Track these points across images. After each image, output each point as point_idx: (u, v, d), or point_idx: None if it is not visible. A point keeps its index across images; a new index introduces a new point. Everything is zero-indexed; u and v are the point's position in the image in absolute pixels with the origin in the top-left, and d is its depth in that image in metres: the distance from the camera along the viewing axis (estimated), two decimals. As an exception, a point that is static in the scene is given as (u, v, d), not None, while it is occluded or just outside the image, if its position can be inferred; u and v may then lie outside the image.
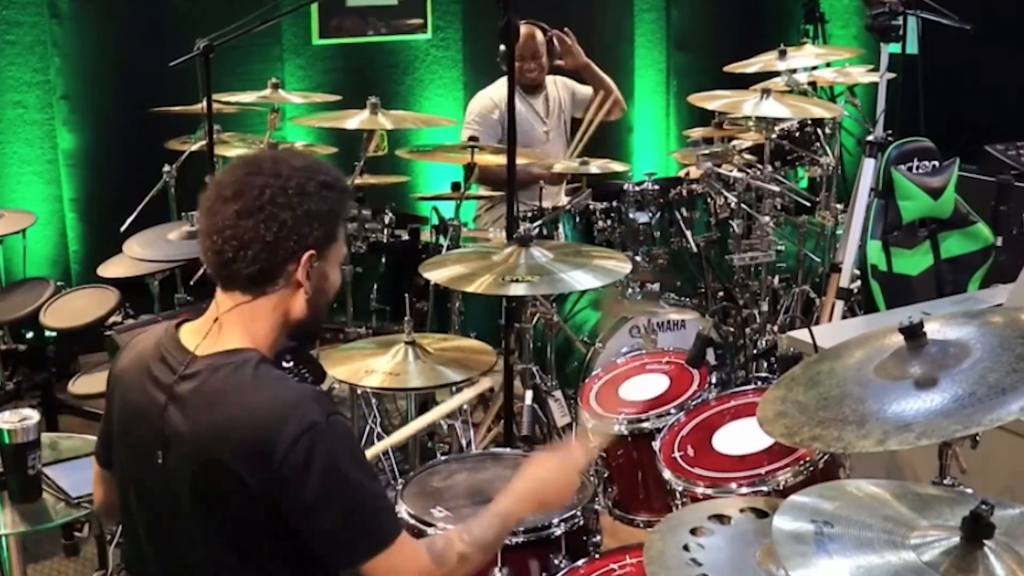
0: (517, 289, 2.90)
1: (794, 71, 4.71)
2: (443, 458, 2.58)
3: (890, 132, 3.68)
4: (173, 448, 1.74)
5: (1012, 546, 1.38)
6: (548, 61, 4.78)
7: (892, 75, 3.72)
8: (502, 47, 4.33)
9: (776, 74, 4.70)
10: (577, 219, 4.07)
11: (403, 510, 2.28)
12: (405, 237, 4.19)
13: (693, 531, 1.82)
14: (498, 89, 4.74)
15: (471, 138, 4.26)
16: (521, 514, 1.94)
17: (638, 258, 4.02)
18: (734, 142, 4.51)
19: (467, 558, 1.79)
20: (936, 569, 1.35)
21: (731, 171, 4.15)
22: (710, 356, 2.72)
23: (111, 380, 1.92)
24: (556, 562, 2.19)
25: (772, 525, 1.47)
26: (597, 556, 2.19)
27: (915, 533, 1.42)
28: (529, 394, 3.40)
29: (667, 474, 2.24)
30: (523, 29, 4.60)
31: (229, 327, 1.80)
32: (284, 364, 2.04)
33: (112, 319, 3.81)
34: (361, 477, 1.71)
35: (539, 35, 4.72)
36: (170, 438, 1.74)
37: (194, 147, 4.23)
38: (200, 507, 1.73)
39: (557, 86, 4.95)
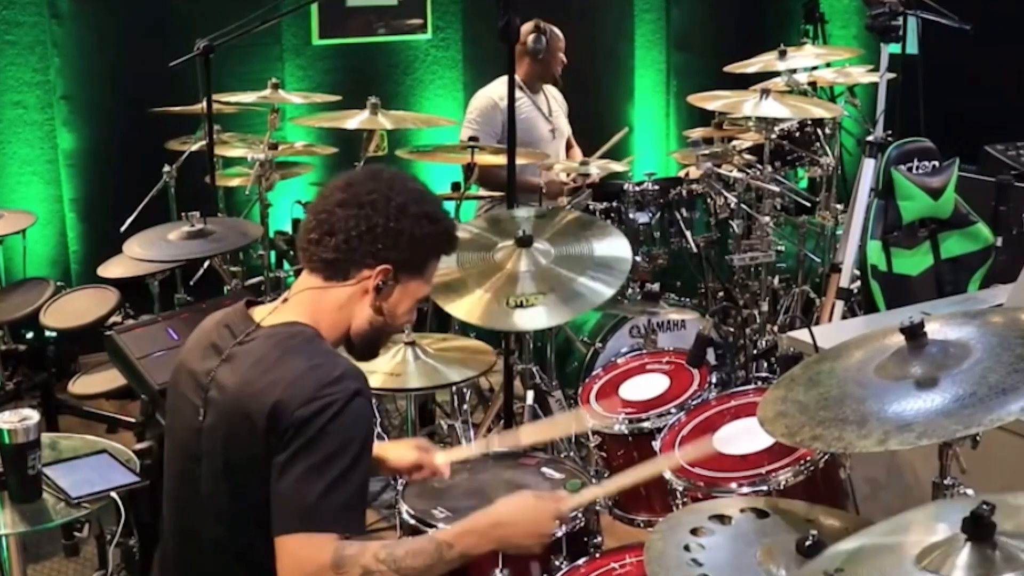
0: (522, 318, 2.73)
1: (794, 71, 4.71)
2: (443, 458, 2.57)
3: (890, 132, 3.68)
4: (212, 404, 1.81)
5: (1013, 545, 1.38)
6: None
7: (892, 75, 3.72)
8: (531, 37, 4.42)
9: (776, 74, 4.70)
10: (577, 219, 4.06)
11: (404, 510, 2.28)
12: (405, 237, 4.19)
13: (693, 531, 1.82)
14: (499, 87, 4.75)
15: (471, 138, 4.26)
16: (470, 548, 1.80)
17: (638, 258, 4.02)
18: (734, 142, 4.51)
19: (371, 574, 1.70)
20: (936, 570, 1.35)
21: (731, 171, 4.15)
22: (710, 356, 2.72)
23: (174, 371, 1.98)
24: (557, 562, 2.19)
25: None
26: (597, 556, 2.19)
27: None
28: (529, 394, 3.41)
29: (667, 474, 2.24)
30: (558, 30, 4.72)
31: (296, 306, 1.88)
32: None
33: (112, 319, 3.81)
34: (339, 462, 1.69)
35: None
36: (213, 394, 1.81)
37: (194, 147, 4.24)
38: (227, 463, 1.78)
39: (554, 95, 4.96)
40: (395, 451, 2.23)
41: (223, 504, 1.80)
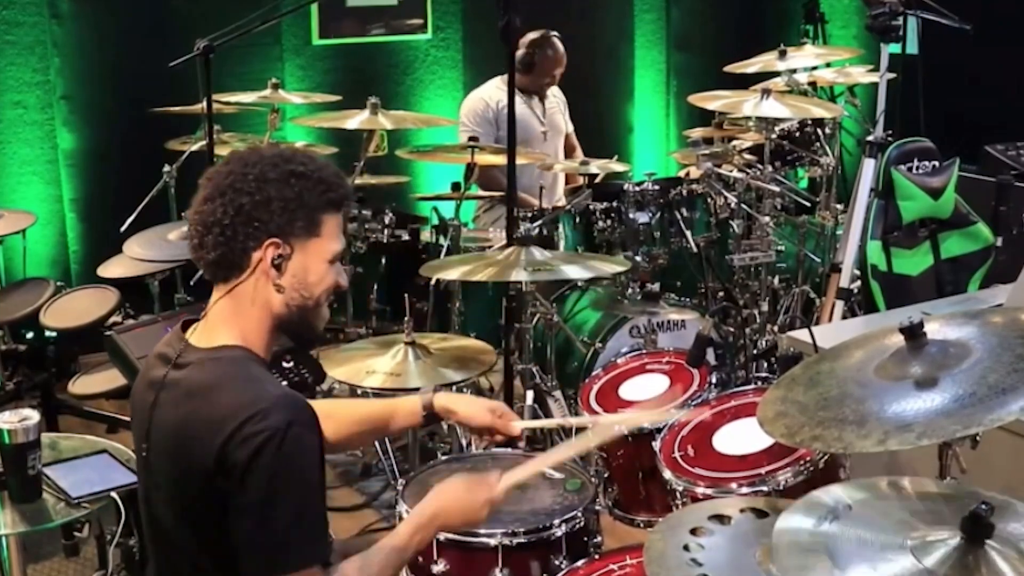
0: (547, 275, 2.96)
1: (794, 71, 4.71)
2: (443, 458, 2.58)
3: (890, 132, 3.68)
4: (154, 440, 1.78)
5: (1013, 544, 1.38)
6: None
7: (892, 75, 3.72)
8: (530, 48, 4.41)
9: (776, 74, 4.70)
10: (577, 219, 4.07)
11: (404, 510, 2.28)
12: (405, 237, 4.19)
13: (693, 531, 1.82)
14: (489, 89, 4.77)
15: (471, 138, 4.27)
16: (421, 543, 1.89)
17: (638, 258, 4.02)
18: (734, 142, 4.51)
19: None
20: (935, 571, 1.35)
21: (731, 171, 4.15)
22: (710, 356, 2.72)
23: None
24: (556, 563, 2.19)
25: (774, 528, 1.47)
26: (597, 556, 2.19)
27: (915, 533, 1.42)
28: (529, 394, 3.41)
29: (667, 474, 2.24)
30: (558, 43, 4.67)
31: (220, 323, 1.82)
32: (284, 364, 2.04)
33: (112, 319, 3.80)
34: (293, 497, 1.67)
35: (561, 46, 4.78)
36: (152, 429, 1.78)
37: (194, 147, 4.24)
38: (174, 498, 1.76)
39: (554, 93, 4.97)
40: (467, 407, 2.21)
41: (186, 537, 1.77)
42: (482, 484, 1.96)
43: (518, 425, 2.25)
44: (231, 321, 1.81)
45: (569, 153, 5.06)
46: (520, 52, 4.57)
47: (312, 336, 1.91)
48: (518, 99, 4.66)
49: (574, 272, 3.06)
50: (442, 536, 2.17)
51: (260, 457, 1.64)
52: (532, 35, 4.69)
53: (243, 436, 1.65)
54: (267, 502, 1.65)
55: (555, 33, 4.79)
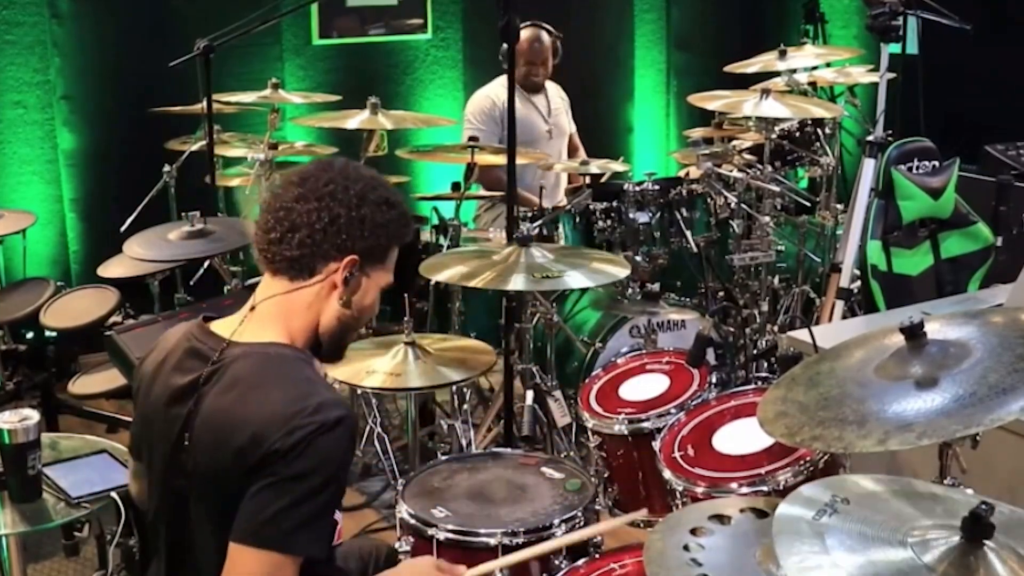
0: (552, 284, 2.96)
1: (794, 71, 4.71)
2: (443, 458, 2.58)
3: (890, 132, 3.68)
4: (197, 435, 1.75)
5: (1012, 546, 1.38)
6: (553, 61, 4.80)
7: (892, 75, 3.72)
8: (504, 45, 4.38)
9: (776, 74, 4.70)
10: (577, 219, 4.07)
11: (404, 510, 2.28)
12: (405, 237, 4.19)
13: (693, 531, 1.82)
14: (496, 88, 4.75)
15: (471, 138, 4.27)
16: None
17: (638, 258, 4.02)
18: (734, 142, 4.51)
19: None
20: (935, 570, 1.35)
21: (731, 171, 4.15)
22: (710, 356, 2.72)
23: (136, 378, 1.96)
24: (556, 562, 2.19)
25: (774, 517, 1.47)
26: (597, 556, 2.19)
27: (915, 532, 1.42)
28: (529, 394, 3.41)
29: (667, 474, 2.24)
30: (528, 32, 4.62)
31: (267, 319, 1.83)
32: None
33: (112, 319, 3.80)
34: (303, 486, 1.66)
35: (545, 38, 4.72)
36: (196, 422, 1.76)
37: (194, 147, 4.24)
38: (213, 492, 1.74)
39: (558, 94, 4.96)
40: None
41: (217, 536, 1.75)
42: (450, 571, 1.95)
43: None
44: (280, 320, 1.82)
45: (572, 153, 5.05)
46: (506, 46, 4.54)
47: (339, 356, 1.93)
48: (523, 99, 4.69)
49: (576, 280, 3.03)
50: (442, 536, 2.17)
51: (300, 445, 1.65)
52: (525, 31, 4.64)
53: (290, 428, 1.66)
54: (289, 482, 1.65)
55: (546, 26, 4.70)
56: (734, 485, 2.14)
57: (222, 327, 1.86)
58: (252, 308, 1.84)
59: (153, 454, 1.86)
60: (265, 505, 1.66)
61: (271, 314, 1.83)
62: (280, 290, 1.83)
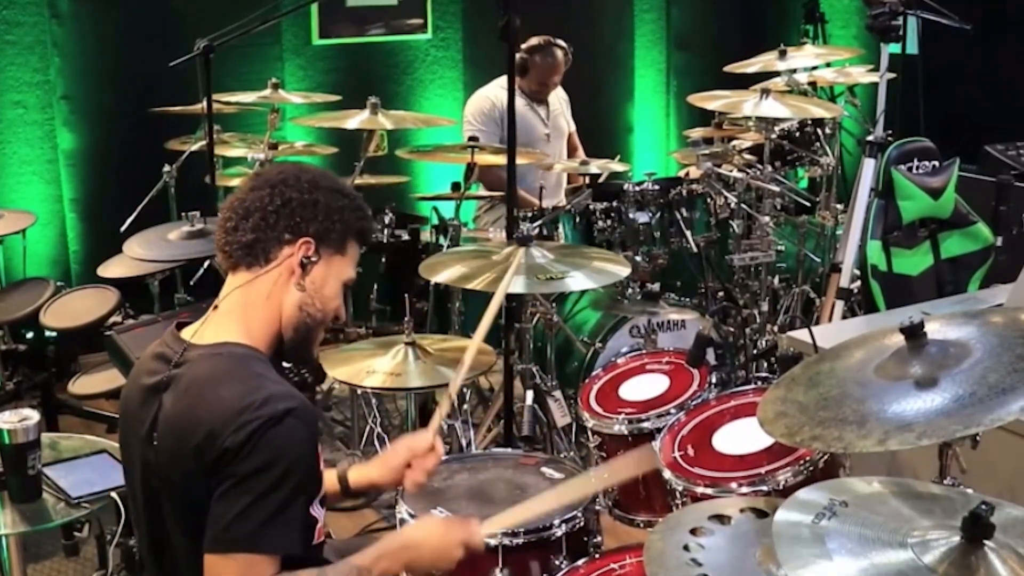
0: (558, 286, 2.95)
1: (794, 71, 4.71)
2: (443, 458, 2.58)
3: (890, 132, 3.68)
4: (160, 440, 1.76)
5: (1012, 546, 1.38)
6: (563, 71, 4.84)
7: (892, 75, 3.72)
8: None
9: (776, 74, 4.70)
10: (577, 219, 4.07)
11: (403, 510, 2.28)
12: (405, 237, 4.19)
13: (693, 531, 1.82)
14: (495, 88, 4.76)
15: (471, 138, 4.27)
16: (384, 570, 1.83)
17: (638, 258, 4.02)
18: (734, 142, 4.51)
19: None
20: (936, 570, 1.35)
21: (731, 171, 4.15)
22: (710, 356, 2.72)
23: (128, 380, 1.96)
24: (557, 562, 2.19)
25: (773, 521, 1.47)
26: (597, 556, 2.19)
27: (915, 532, 1.42)
28: (529, 394, 3.41)
29: (667, 474, 2.24)
30: (548, 54, 4.68)
31: (227, 317, 1.83)
32: (284, 364, 2.03)
33: (112, 319, 3.80)
34: (261, 482, 1.66)
35: (560, 56, 4.77)
36: (159, 425, 1.77)
37: (194, 147, 4.24)
38: (177, 501, 1.75)
39: (556, 93, 4.96)
40: (379, 468, 2.13)
41: (188, 537, 1.75)
42: (461, 524, 1.95)
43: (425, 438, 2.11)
44: (239, 317, 1.82)
45: (571, 153, 5.05)
46: (518, 55, 4.56)
47: (306, 355, 1.92)
48: (521, 101, 4.69)
49: (577, 283, 3.03)
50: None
51: (251, 441, 1.65)
52: (534, 40, 4.69)
53: (239, 424, 1.66)
54: (246, 480, 1.65)
55: (560, 42, 4.74)
56: (734, 485, 2.14)
57: (189, 330, 1.87)
58: (215, 308, 1.85)
59: (132, 455, 1.88)
60: (228, 508, 1.66)
61: (231, 311, 1.83)
62: (239, 283, 1.83)
